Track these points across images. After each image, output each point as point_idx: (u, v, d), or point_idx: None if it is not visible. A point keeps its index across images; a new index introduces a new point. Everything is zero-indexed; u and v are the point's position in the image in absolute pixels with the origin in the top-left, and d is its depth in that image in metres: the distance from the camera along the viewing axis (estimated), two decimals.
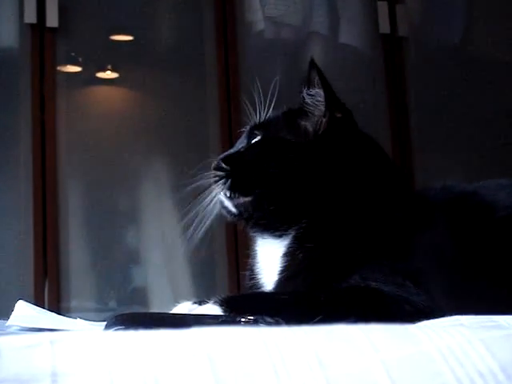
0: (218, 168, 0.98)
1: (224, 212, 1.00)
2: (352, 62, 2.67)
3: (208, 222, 0.99)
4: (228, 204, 0.99)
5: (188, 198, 1.01)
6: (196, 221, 0.99)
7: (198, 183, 1.00)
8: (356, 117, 1.01)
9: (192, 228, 0.99)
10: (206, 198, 0.99)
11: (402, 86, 2.67)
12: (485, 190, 1.01)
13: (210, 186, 0.99)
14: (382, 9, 2.67)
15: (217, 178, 0.97)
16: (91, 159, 2.36)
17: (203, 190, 0.99)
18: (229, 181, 0.96)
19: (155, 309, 2.20)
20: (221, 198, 0.99)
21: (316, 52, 2.58)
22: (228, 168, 0.97)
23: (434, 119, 2.69)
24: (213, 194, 0.99)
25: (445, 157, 2.65)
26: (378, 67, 2.66)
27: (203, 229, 0.99)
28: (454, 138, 2.69)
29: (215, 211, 1.00)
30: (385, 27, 2.66)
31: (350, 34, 2.65)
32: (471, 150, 2.68)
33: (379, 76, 2.66)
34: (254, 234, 1.01)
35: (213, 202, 0.99)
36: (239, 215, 1.00)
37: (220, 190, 0.98)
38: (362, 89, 2.62)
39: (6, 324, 0.85)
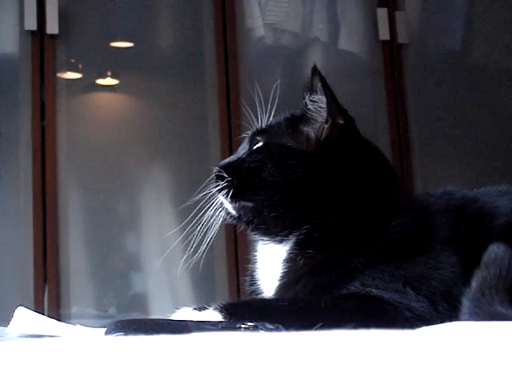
0: (219, 177, 0.98)
1: (224, 213, 1.00)
2: (352, 68, 2.67)
3: (213, 232, 0.99)
4: (228, 206, 0.99)
5: (190, 206, 1.00)
6: (198, 231, 0.98)
7: (201, 194, 1.00)
8: (356, 123, 1.01)
9: (194, 238, 0.99)
10: (208, 206, 0.99)
11: (402, 92, 2.67)
12: (485, 196, 1.01)
13: (211, 194, 0.99)
14: (382, 15, 2.68)
15: (219, 187, 0.97)
16: (91, 165, 2.36)
17: (205, 199, 0.99)
18: (230, 189, 0.96)
19: (155, 315, 2.19)
20: (221, 199, 0.98)
21: (316, 58, 2.58)
22: (229, 178, 0.97)
23: (433, 125, 2.69)
24: (215, 202, 0.99)
25: (445, 162, 2.65)
26: (377, 73, 2.67)
27: (207, 239, 0.99)
28: (454, 144, 2.69)
29: (218, 220, 0.99)
30: (384, 34, 2.66)
31: (349, 41, 2.66)
32: (471, 156, 2.68)
33: (379, 82, 2.66)
34: (255, 237, 1.01)
35: (216, 213, 0.99)
36: (239, 218, 0.99)
37: (222, 198, 0.97)
38: (361, 95, 2.62)
39: (6, 331, 0.85)
